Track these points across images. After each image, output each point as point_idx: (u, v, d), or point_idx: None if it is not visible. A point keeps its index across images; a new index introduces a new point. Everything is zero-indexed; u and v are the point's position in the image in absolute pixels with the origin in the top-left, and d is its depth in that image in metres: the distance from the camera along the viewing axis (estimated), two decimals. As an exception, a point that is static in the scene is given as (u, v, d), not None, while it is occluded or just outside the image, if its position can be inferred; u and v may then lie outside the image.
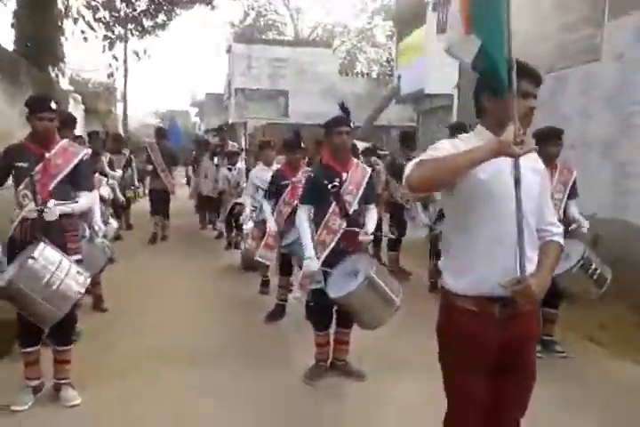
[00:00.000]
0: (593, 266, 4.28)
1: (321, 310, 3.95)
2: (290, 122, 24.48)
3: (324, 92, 27.40)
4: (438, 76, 17.36)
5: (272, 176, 5.49)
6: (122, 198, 8.40)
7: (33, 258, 3.16)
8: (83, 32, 12.16)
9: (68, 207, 3.54)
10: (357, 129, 19.01)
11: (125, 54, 20.81)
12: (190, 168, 12.26)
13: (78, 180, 3.67)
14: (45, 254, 3.26)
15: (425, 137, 20.58)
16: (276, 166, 6.10)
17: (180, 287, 6.63)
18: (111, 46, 14.01)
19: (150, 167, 9.51)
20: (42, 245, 3.28)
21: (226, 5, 25.38)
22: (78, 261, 3.62)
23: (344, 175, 3.93)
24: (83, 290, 3.36)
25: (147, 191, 11.39)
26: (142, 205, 10.85)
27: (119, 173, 8.95)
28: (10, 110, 7.69)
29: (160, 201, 9.59)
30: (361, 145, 8.72)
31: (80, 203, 3.62)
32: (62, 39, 12.65)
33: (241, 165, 8.96)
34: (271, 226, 5.30)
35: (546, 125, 4.40)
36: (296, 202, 5.14)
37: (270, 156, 6.20)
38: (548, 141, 4.32)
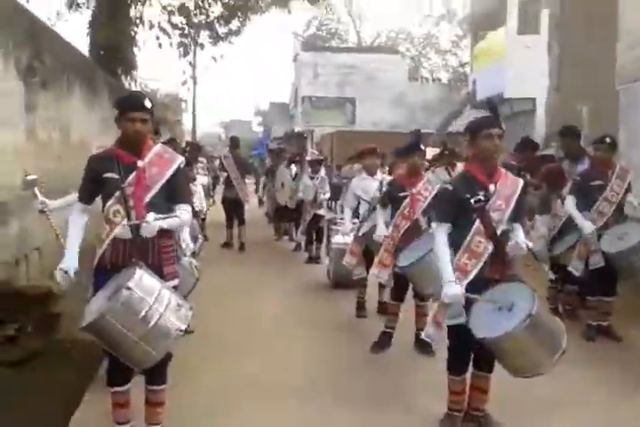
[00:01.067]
0: None
1: (462, 351, 3.23)
2: (357, 129, 23.84)
3: (392, 98, 26.71)
4: (519, 79, 16.36)
5: (388, 185, 4.92)
6: (205, 209, 7.89)
7: (129, 289, 2.60)
8: (157, 38, 11.98)
9: (167, 222, 2.98)
10: (430, 135, 18.24)
11: (194, 63, 20.77)
12: (262, 177, 12.06)
13: (176, 191, 3.12)
14: (143, 284, 2.69)
15: (505, 142, 19.55)
16: (380, 176, 5.48)
17: (263, 307, 6.01)
18: (186, 52, 13.79)
19: (225, 175, 9.43)
20: (138, 271, 2.72)
21: (297, 12, 25.10)
22: (175, 288, 3.06)
23: (491, 188, 3.21)
24: (184, 326, 2.76)
25: (215, 200, 11.11)
26: (214, 214, 10.41)
27: (205, 181, 8.59)
28: (88, 118, 7.38)
29: (235, 210, 9.53)
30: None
31: (181, 218, 3.06)
32: (135, 49, 12.53)
33: (323, 173, 8.36)
34: (379, 231, 4.80)
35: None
36: (416, 217, 4.51)
37: (374, 164, 5.54)
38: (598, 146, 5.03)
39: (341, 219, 7.22)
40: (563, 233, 5.74)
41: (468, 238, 3.18)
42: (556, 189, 5.78)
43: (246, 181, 9.72)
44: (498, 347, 2.96)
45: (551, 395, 3.77)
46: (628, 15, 7.33)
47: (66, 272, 2.95)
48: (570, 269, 5.20)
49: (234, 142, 10.02)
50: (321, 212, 8.34)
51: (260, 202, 15.32)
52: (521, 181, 3.34)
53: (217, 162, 10.29)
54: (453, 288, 3.06)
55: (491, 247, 3.17)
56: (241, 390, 3.88)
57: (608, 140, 5.02)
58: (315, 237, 8.48)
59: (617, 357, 4.60)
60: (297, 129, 28.31)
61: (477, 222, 3.18)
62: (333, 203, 9.14)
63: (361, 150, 5.66)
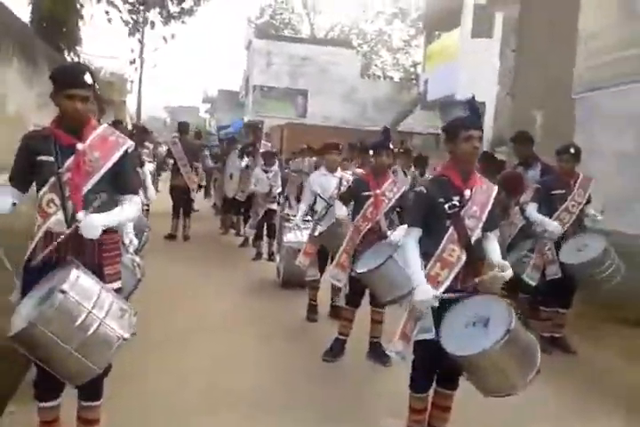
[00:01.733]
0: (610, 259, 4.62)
1: (428, 367, 3.02)
2: (308, 123, 23.57)
3: (344, 93, 26.58)
4: (471, 82, 16.49)
5: (353, 182, 4.67)
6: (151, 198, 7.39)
7: (63, 292, 2.24)
8: (107, 13, 11.28)
9: (112, 218, 2.61)
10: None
11: (142, 43, 19.92)
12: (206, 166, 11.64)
13: (122, 180, 2.75)
14: (79, 286, 2.34)
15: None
16: (340, 173, 5.24)
17: (209, 306, 5.64)
18: (136, 30, 13.08)
19: (171, 162, 9.12)
20: (74, 272, 2.36)
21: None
22: (117, 291, 2.71)
23: (466, 193, 3.01)
24: (127, 335, 2.42)
25: (159, 188, 10.60)
26: (156, 203, 9.89)
27: (151, 168, 8.14)
28: (26, 91, 6.78)
29: (182, 199, 9.21)
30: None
31: (127, 211, 2.70)
32: (80, 23, 11.82)
33: (277, 167, 8.05)
34: (339, 214, 4.58)
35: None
36: (378, 218, 4.28)
37: (335, 160, 5.27)
38: (562, 156, 4.96)
39: (294, 215, 6.97)
40: (518, 241, 5.70)
41: (441, 247, 2.96)
42: (514, 196, 5.72)
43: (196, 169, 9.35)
44: (471, 365, 2.76)
45: (510, 409, 3.63)
46: (587, 24, 7.36)
47: None
48: (524, 278, 5.11)
49: (183, 128, 9.64)
50: (274, 207, 8.03)
51: (207, 193, 14.87)
52: (495, 187, 3.16)
53: (164, 148, 9.84)
54: (426, 292, 2.82)
55: (464, 257, 2.97)
56: (186, 398, 3.57)
57: (572, 150, 4.94)
58: (266, 233, 8.17)
59: (573, 370, 4.54)
60: (246, 118, 27.77)
61: (451, 229, 2.97)
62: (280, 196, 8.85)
63: (323, 145, 5.40)
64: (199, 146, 10.46)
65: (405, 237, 3.08)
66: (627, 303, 5.52)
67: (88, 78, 2.60)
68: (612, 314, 5.85)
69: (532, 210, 5.02)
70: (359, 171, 5.81)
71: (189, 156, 9.12)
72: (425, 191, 3.03)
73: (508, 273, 2.89)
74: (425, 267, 2.98)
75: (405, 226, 3.15)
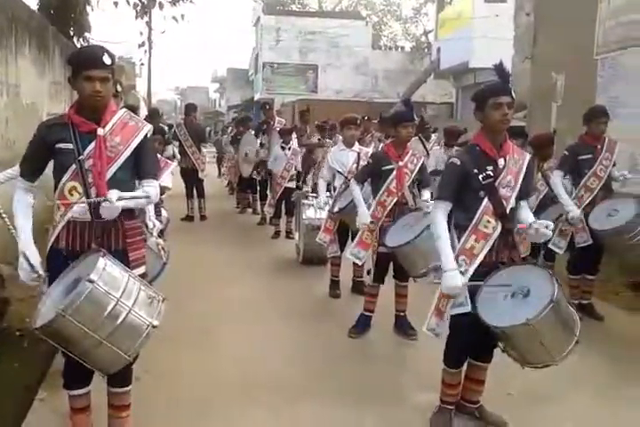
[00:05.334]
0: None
1: (463, 342, 2.97)
2: (320, 98, 23.30)
3: (355, 66, 26.18)
4: (486, 48, 16.11)
5: (372, 156, 4.53)
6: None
7: (91, 281, 2.20)
8: (113, -5, 11.15)
9: (133, 201, 2.55)
10: (393, 105, 17.90)
11: (150, 26, 19.71)
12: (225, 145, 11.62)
13: (142, 164, 2.69)
14: (107, 275, 2.30)
15: (465, 114, 19.40)
16: (357, 147, 5.14)
17: (232, 289, 5.59)
18: (143, 12, 12.91)
19: (177, 144, 9.03)
20: (101, 260, 2.32)
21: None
22: (143, 276, 2.68)
23: (500, 162, 2.89)
24: (157, 322, 2.39)
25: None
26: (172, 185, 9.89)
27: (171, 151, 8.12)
28: (39, 80, 6.71)
29: (193, 181, 9.22)
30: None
31: (149, 195, 2.61)
32: (88, 8, 11.64)
33: (295, 144, 7.94)
34: (362, 219, 4.33)
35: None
36: (402, 191, 4.20)
37: (354, 135, 5.15)
38: (597, 119, 4.78)
39: (313, 192, 6.91)
40: (543, 208, 5.58)
41: (476, 218, 2.86)
42: (542, 159, 5.58)
43: (203, 150, 9.29)
44: (512, 337, 2.69)
45: (549, 378, 3.58)
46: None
47: (28, 261, 2.50)
48: (550, 246, 5.02)
49: (188, 109, 9.55)
50: (291, 184, 7.96)
51: (220, 173, 14.84)
52: (527, 155, 3.05)
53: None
54: (453, 279, 2.75)
55: (499, 228, 2.88)
56: (216, 385, 3.53)
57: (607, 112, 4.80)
58: (285, 212, 8.11)
59: (607, 337, 4.47)
60: (257, 97, 27.53)
61: (485, 201, 2.87)
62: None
63: (341, 120, 5.27)
64: (204, 127, 10.38)
65: (435, 212, 2.96)
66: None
67: (107, 59, 2.52)
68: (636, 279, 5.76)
69: (557, 180, 4.85)
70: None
71: (195, 137, 9.05)
72: (458, 163, 2.90)
73: (549, 231, 2.80)
74: (459, 239, 2.90)
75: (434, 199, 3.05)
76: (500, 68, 2.90)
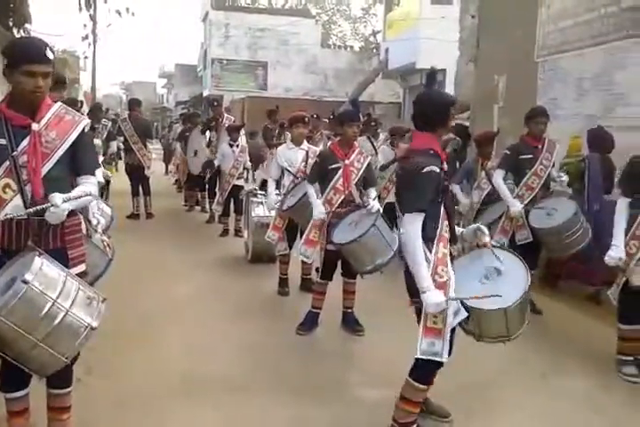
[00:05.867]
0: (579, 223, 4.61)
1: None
2: (269, 95, 23.20)
3: (305, 64, 26.20)
4: (432, 49, 16.39)
5: (319, 155, 4.56)
6: (108, 176, 7.17)
7: (25, 282, 2.12)
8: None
9: (77, 200, 2.46)
10: (343, 104, 18.01)
11: (93, 19, 19.16)
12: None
13: (80, 160, 2.60)
14: (43, 275, 2.22)
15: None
16: (306, 146, 5.15)
17: (179, 286, 5.52)
18: (87, 4, 12.53)
19: (122, 139, 8.82)
20: (37, 260, 2.24)
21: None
22: (83, 274, 2.61)
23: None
24: (96, 323, 2.32)
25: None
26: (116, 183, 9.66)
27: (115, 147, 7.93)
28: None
29: (138, 178, 9.03)
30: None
31: (90, 193, 2.53)
32: (29, -1, 11.23)
33: (243, 141, 7.88)
34: (317, 213, 4.34)
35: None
36: (349, 189, 4.24)
37: (302, 133, 5.15)
38: (536, 119, 4.92)
39: (261, 190, 6.88)
40: (486, 205, 5.74)
41: (440, 224, 2.79)
42: (484, 158, 5.81)
43: (149, 146, 9.12)
44: (486, 315, 2.76)
45: (492, 370, 3.71)
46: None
47: None
48: (492, 243, 5.16)
49: (132, 104, 9.35)
50: (240, 182, 7.90)
51: (167, 170, 14.61)
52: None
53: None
54: (437, 296, 2.63)
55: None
56: (161, 385, 3.47)
57: (546, 113, 4.99)
58: (234, 209, 8.04)
59: (546, 329, 4.60)
60: (205, 93, 27.17)
61: (442, 205, 2.81)
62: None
63: (289, 118, 5.26)
64: (150, 123, 10.18)
65: (411, 227, 2.67)
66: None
67: (50, 53, 2.43)
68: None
69: (498, 178, 5.02)
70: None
71: (140, 133, 8.88)
72: (438, 170, 2.69)
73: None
74: (430, 251, 2.75)
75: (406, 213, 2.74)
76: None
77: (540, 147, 4.95)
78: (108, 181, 8.59)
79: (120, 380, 3.49)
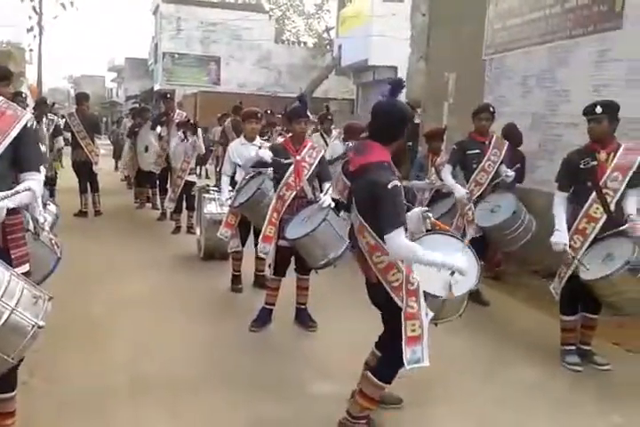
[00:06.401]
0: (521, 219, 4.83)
1: None
2: (222, 90, 22.99)
3: (258, 59, 26.05)
4: (384, 46, 16.56)
5: (270, 150, 4.53)
6: (52, 173, 6.97)
7: (-34, 282, 2.05)
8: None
9: (17, 198, 2.39)
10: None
11: (37, 11, 18.58)
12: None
13: (23, 156, 2.54)
14: (-16, 275, 2.15)
15: (365, 111, 19.83)
16: (259, 141, 5.13)
17: (128, 286, 5.40)
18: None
19: (69, 135, 8.66)
20: (-22, 260, 2.17)
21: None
22: (27, 275, 2.53)
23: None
24: (42, 322, 2.27)
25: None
26: (63, 179, 9.39)
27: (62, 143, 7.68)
28: None
29: (86, 174, 8.83)
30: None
31: (30, 188, 2.46)
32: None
33: (194, 137, 7.76)
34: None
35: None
36: (301, 185, 4.24)
37: (254, 129, 5.13)
38: (480, 115, 5.11)
39: (215, 186, 6.83)
40: (435, 201, 5.88)
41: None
42: (434, 153, 6.10)
43: (97, 141, 8.97)
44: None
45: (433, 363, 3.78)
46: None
47: None
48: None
49: (80, 99, 9.10)
50: (192, 178, 7.80)
51: (116, 166, 14.29)
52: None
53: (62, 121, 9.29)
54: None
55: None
56: (106, 384, 3.41)
57: (491, 109, 5.11)
58: (186, 206, 7.94)
59: (488, 321, 4.76)
60: (156, 87, 26.68)
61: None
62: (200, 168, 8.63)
63: (242, 114, 5.24)
64: (98, 117, 9.99)
65: (399, 241, 2.61)
66: (534, 257, 5.83)
67: None
68: (523, 268, 6.20)
69: (446, 172, 5.16)
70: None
71: (88, 128, 8.71)
72: (398, 184, 2.67)
73: None
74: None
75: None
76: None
77: (487, 143, 5.08)
78: (53, 179, 8.39)
79: (65, 382, 3.41)
